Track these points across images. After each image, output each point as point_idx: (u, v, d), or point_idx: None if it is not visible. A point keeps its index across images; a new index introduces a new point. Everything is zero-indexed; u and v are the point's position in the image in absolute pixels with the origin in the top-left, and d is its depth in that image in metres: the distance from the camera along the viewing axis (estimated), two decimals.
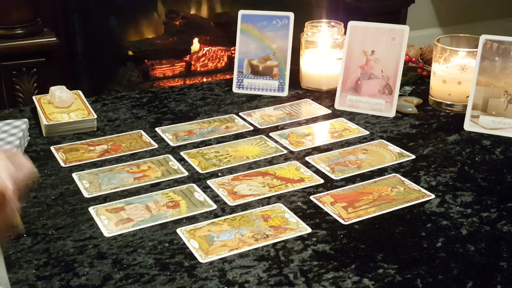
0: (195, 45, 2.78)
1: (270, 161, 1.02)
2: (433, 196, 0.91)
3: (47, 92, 1.18)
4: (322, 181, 0.95)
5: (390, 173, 0.98)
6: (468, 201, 0.90)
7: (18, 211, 0.63)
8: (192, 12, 2.77)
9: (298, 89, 1.33)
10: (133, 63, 2.63)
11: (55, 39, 2.08)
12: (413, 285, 0.72)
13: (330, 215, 0.86)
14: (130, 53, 2.63)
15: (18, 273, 0.74)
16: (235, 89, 1.32)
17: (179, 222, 0.84)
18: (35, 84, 2.08)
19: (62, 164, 1.00)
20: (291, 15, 1.29)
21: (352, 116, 1.20)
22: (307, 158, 1.03)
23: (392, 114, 1.19)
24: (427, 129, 1.14)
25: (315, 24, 1.34)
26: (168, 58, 2.69)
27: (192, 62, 2.74)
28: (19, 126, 1.03)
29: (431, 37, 1.50)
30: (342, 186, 0.94)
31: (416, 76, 1.36)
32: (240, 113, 1.21)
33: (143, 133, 1.12)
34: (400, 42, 1.19)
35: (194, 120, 1.18)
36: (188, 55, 2.74)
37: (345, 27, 1.25)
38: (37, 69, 2.07)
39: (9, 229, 0.64)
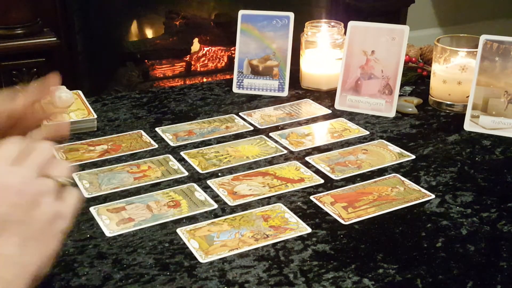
0: (195, 45, 2.78)
1: (270, 161, 1.02)
2: (433, 196, 0.91)
3: None
4: (322, 181, 0.95)
5: (390, 173, 0.98)
6: (468, 201, 0.90)
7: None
8: (192, 12, 2.77)
9: (298, 89, 1.33)
10: (133, 63, 2.63)
11: (55, 39, 2.08)
12: (413, 285, 0.72)
13: (330, 215, 0.86)
14: (130, 53, 2.63)
15: None
16: (235, 89, 1.32)
17: (179, 222, 0.84)
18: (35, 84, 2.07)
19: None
20: (291, 15, 1.29)
21: (352, 116, 1.20)
22: (307, 158, 1.03)
23: (392, 114, 1.19)
24: (427, 129, 1.14)
25: (315, 24, 1.34)
26: (168, 58, 2.70)
27: (192, 62, 2.74)
28: None
29: (431, 37, 1.50)
30: (342, 186, 0.94)
31: (416, 76, 1.36)
32: (240, 113, 1.21)
33: (143, 133, 1.12)
34: (400, 42, 1.19)
35: (194, 120, 1.18)
36: (188, 55, 2.74)
37: (345, 27, 1.25)
38: (37, 69, 2.07)
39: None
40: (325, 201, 0.89)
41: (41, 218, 0.59)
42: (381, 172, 0.98)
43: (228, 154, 1.04)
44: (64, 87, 1.18)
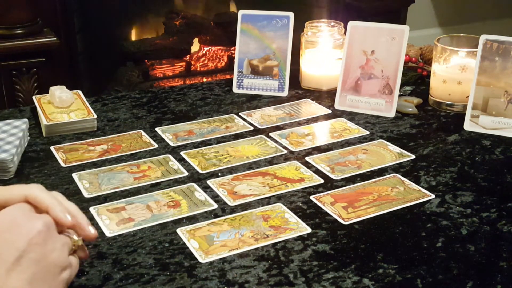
0: (195, 45, 2.78)
1: (270, 161, 1.02)
2: (433, 196, 0.91)
3: (47, 92, 1.18)
4: (322, 181, 0.95)
5: (390, 173, 0.98)
6: (468, 201, 0.90)
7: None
8: (192, 12, 2.77)
9: (298, 89, 1.33)
10: (133, 63, 2.63)
11: (55, 39, 2.08)
12: (413, 285, 0.72)
13: (330, 215, 0.86)
14: (130, 53, 2.63)
15: None
16: (235, 89, 1.32)
17: (179, 222, 0.84)
18: (35, 84, 2.08)
19: (62, 164, 1.00)
20: (291, 15, 1.29)
21: (352, 116, 1.20)
22: (307, 158, 1.03)
23: (392, 114, 1.19)
24: (427, 129, 1.14)
25: (315, 24, 1.34)
26: (168, 58, 2.70)
27: (192, 62, 2.74)
28: (19, 126, 1.04)
29: (431, 37, 1.50)
30: (342, 186, 0.94)
31: (416, 76, 1.36)
32: (240, 113, 1.21)
33: (143, 133, 1.12)
34: (400, 42, 1.19)
35: (194, 120, 1.18)
36: (188, 55, 2.74)
37: (345, 27, 1.25)
38: (37, 69, 2.07)
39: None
40: (325, 201, 0.89)
41: (53, 262, 0.63)
42: (381, 172, 0.98)
43: (228, 154, 1.04)
44: (64, 87, 1.18)
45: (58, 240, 0.65)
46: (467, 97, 1.16)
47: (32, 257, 0.61)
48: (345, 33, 1.25)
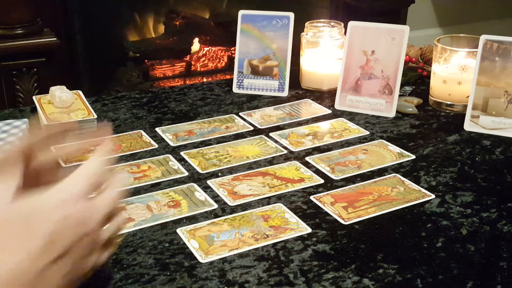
0: (195, 45, 2.78)
1: (270, 161, 1.02)
2: (433, 196, 0.91)
3: (47, 92, 1.18)
4: (322, 181, 0.95)
5: (390, 173, 0.98)
6: (468, 201, 0.90)
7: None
8: (192, 12, 2.77)
9: (298, 89, 1.33)
10: (133, 63, 2.64)
11: (55, 39, 2.08)
12: (413, 285, 0.72)
13: (330, 215, 0.86)
14: (130, 53, 2.63)
15: None
16: (235, 89, 1.32)
17: (179, 222, 0.84)
18: (35, 84, 2.08)
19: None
20: (291, 15, 1.29)
21: (352, 116, 1.20)
22: (307, 158, 1.03)
23: (392, 114, 1.19)
24: (427, 129, 1.14)
25: (315, 24, 1.34)
26: (168, 58, 2.70)
27: (192, 62, 2.74)
28: (19, 126, 1.04)
29: (431, 37, 1.50)
30: (342, 186, 0.94)
31: (416, 76, 1.36)
32: (240, 113, 1.21)
33: (143, 133, 1.12)
34: (400, 42, 1.19)
35: (194, 120, 1.18)
36: (188, 55, 2.74)
37: (345, 27, 1.25)
38: (37, 69, 2.07)
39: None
40: (325, 201, 0.89)
41: (85, 267, 0.60)
42: (381, 172, 0.98)
43: (228, 154, 1.04)
44: (64, 87, 1.18)
45: (92, 228, 0.63)
46: (467, 97, 1.16)
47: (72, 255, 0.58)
48: (345, 33, 1.25)
